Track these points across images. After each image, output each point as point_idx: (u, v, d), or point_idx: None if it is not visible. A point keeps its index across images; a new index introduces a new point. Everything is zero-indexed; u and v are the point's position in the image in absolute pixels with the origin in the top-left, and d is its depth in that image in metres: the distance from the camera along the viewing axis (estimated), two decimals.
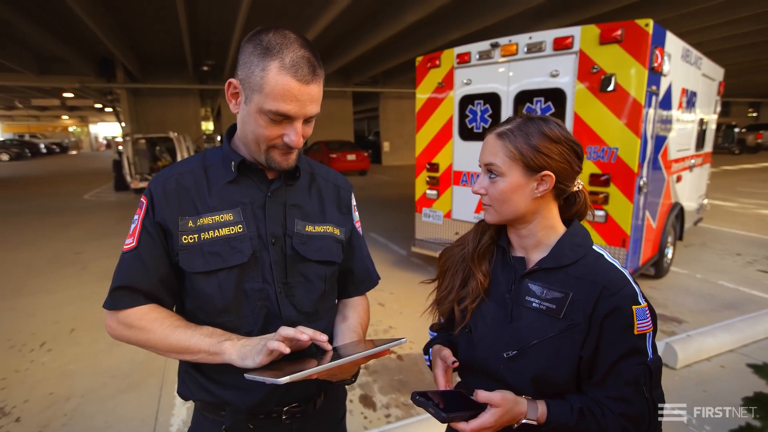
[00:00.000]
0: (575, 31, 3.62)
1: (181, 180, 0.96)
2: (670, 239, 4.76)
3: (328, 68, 14.85)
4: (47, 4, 8.91)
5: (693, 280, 4.74)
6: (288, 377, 0.71)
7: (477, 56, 4.34)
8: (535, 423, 0.83)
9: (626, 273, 0.87)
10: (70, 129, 48.10)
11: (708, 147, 5.86)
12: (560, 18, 9.36)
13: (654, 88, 3.56)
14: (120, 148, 13.59)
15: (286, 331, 0.82)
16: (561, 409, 0.83)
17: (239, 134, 0.97)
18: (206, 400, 0.99)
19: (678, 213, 4.91)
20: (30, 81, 15.42)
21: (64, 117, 42.67)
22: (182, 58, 14.04)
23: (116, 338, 0.94)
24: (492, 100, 4.32)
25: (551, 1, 8.83)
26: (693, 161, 5.19)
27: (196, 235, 0.92)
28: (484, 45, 4.26)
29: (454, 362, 0.96)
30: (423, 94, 4.92)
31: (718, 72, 5.68)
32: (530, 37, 3.90)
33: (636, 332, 0.81)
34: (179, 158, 11.86)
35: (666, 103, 3.89)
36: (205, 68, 15.96)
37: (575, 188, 0.94)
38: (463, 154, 4.65)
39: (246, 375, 0.79)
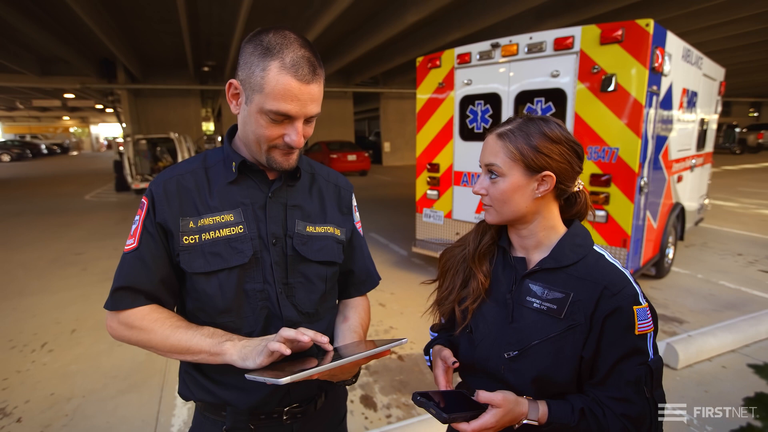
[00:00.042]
0: (576, 32, 3.62)
1: (182, 181, 0.96)
2: (671, 239, 4.75)
3: (329, 69, 14.87)
4: (48, 5, 8.94)
5: (694, 280, 4.73)
6: (289, 378, 0.71)
7: (477, 56, 4.34)
8: (536, 423, 0.83)
9: (627, 273, 0.87)
10: (71, 130, 48.17)
11: (709, 147, 5.86)
12: (561, 18, 9.36)
13: (655, 88, 3.55)
14: (121, 148, 13.63)
15: (287, 332, 0.82)
16: (562, 410, 0.83)
17: (240, 135, 0.97)
18: (207, 400, 0.99)
19: (679, 213, 4.90)
20: (31, 82, 15.45)
21: (65, 118, 42.75)
22: (183, 58, 14.06)
23: (117, 339, 0.94)
24: (492, 100, 4.32)
25: (552, 1, 8.83)
26: (694, 161, 5.19)
27: (197, 236, 0.93)
28: (485, 45, 4.26)
29: (454, 363, 0.96)
30: (423, 94, 4.92)
31: (719, 72, 5.68)
32: (531, 38, 3.90)
33: (637, 332, 0.81)
34: (180, 159, 11.88)
35: (667, 103, 3.89)
36: (206, 69, 15.98)
37: (576, 188, 0.94)
38: (464, 155, 4.65)
39: (247, 375, 0.80)
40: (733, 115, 31.60)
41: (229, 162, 0.98)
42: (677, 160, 4.53)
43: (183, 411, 2.66)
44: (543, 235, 0.93)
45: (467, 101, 4.53)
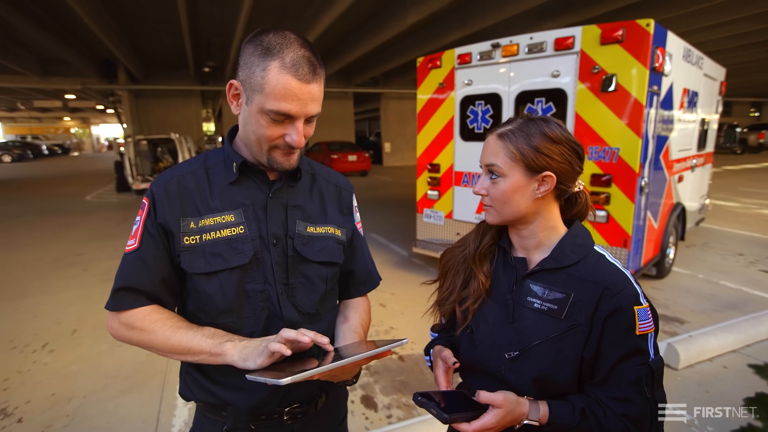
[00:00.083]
0: (576, 32, 3.62)
1: (182, 181, 0.97)
2: (671, 239, 4.75)
3: (329, 69, 14.87)
4: (48, 5, 8.95)
5: (695, 280, 4.73)
6: (289, 378, 0.71)
7: (478, 57, 4.34)
8: (536, 424, 0.83)
9: (628, 273, 0.87)
10: (72, 130, 48.22)
11: (710, 147, 5.85)
12: (561, 18, 9.36)
13: (655, 88, 3.55)
14: (122, 149, 13.64)
15: (287, 333, 0.82)
16: (563, 410, 0.83)
17: (241, 135, 0.98)
18: (208, 400, 0.99)
19: (680, 213, 4.90)
20: (32, 83, 15.47)
21: (66, 118, 42.79)
22: (184, 59, 14.07)
23: (118, 339, 0.94)
24: (493, 100, 4.32)
25: (552, 2, 8.83)
26: (695, 161, 5.18)
27: (197, 236, 0.93)
28: (485, 45, 4.26)
29: (455, 363, 0.96)
30: (424, 94, 4.92)
31: (719, 72, 5.68)
32: (531, 38, 3.90)
33: (638, 333, 0.81)
34: (181, 159, 11.89)
35: (667, 103, 3.89)
36: (207, 69, 16.00)
37: (576, 189, 0.94)
38: (464, 155, 4.65)
39: (247, 376, 0.80)
40: (734, 115, 31.58)
41: (229, 162, 0.98)
42: (678, 160, 4.53)
43: (184, 411, 2.66)
44: (543, 236, 0.93)
45: (468, 101, 4.53)
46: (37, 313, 4.22)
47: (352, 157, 15.83)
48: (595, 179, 3.69)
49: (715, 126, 5.92)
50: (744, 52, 15.10)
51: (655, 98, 3.59)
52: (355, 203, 1.17)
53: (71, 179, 17.38)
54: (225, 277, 0.93)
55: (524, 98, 4.06)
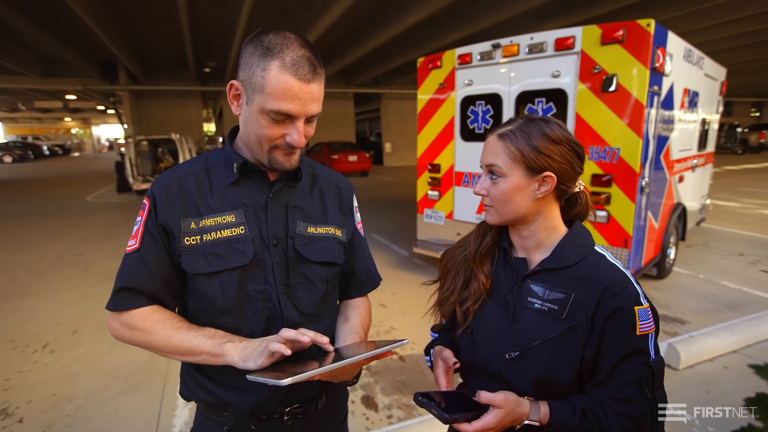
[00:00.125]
0: (577, 32, 3.62)
1: (183, 182, 0.97)
2: (672, 240, 4.75)
3: (330, 69, 14.88)
4: (48, 5, 8.95)
5: (696, 280, 4.72)
6: (290, 379, 0.71)
7: (478, 57, 4.34)
8: (537, 424, 0.83)
9: (628, 273, 0.87)
10: (73, 131, 48.26)
11: (710, 147, 5.85)
12: (562, 18, 9.36)
13: (656, 88, 3.55)
14: (122, 149, 13.65)
15: (287, 332, 0.82)
16: (563, 410, 0.83)
17: (242, 135, 0.98)
18: (208, 401, 0.99)
19: (680, 213, 4.90)
20: (33, 83, 15.49)
21: (67, 119, 42.86)
22: (184, 59, 14.08)
23: (119, 339, 0.94)
24: (493, 100, 4.32)
25: (552, 2, 8.83)
26: (695, 161, 5.18)
27: (198, 237, 0.93)
28: (486, 46, 4.26)
29: (455, 363, 0.96)
30: (424, 95, 4.92)
31: (720, 72, 5.67)
32: (531, 38, 3.90)
33: (638, 333, 0.81)
34: (181, 160, 11.90)
35: (668, 104, 3.89)
36: (207, 70, 16.01)
37: (577, 189, 0.94)
38: (465, 155, 4.65)
39: (248, 376, 0.80)
40: (735, 115, 31.55)
41: (230, 163, 0.98)
42: (679, 161, 4.52)
43: (184, 411, 2.66)
44: (544, 236, 0.93)
45: (468, 102, 4.53)
46: (37, 313, 4.22)
47: (353, 158, 15.84)
48: (596, 179, 3.69)
49: (715, 126, 5.92)
50: (744, 52, 15.10)
51: (655, 98, 3.58)
52: (355, 203, 1.17)
53: (72, 180, 17.40)
54: (226, 277, 0.93)
55: (525, 98, 4.06)
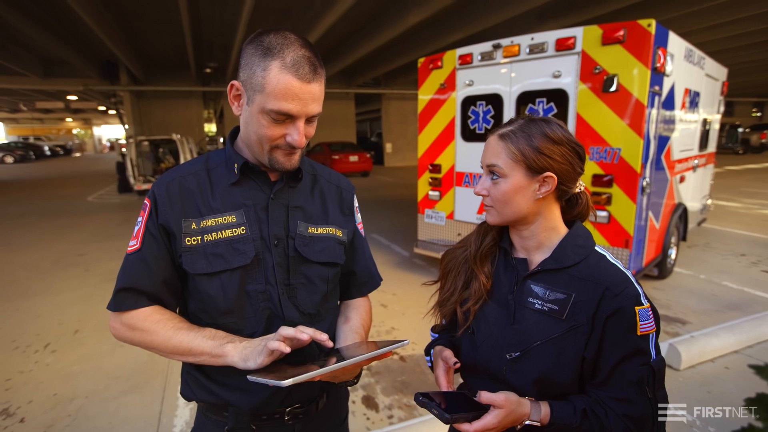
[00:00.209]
0: (577, 32, 3.61)
1: (184, 182, 0.97)
2: (673, 240, 4.74)
3: (331, 70, 14.88)
4: (48, 5, 8.96)
5: (697, 280, 4.72)
6: (291, 380, 0.71)
7: (479, 57, 4.34)
8: (538, 424, 0.83)
9: (629, 274, 0.87)
10: (74, 131, 48.33)
11: (711, 147, 5.84)
12: (562, 18, 9.36)
13: (657, 88, 3.55)
14: (123, 150, 13.66)
15: (286, 330, 0.82)
16: (564, 410, 0.83)
17: (242, 136, 0.98)
18: (209, 401, 0.99)
19: (681, 213, 4.89)
20: (34, 84, 15.51)
21: (68, 119, 42.90)
22: (185, 60, 14.10)
23: (120, 339, 0.95)
24: (494, 101, 4.32)
25: (553, 2, 8.82)
26: (696, 161, 5.17)
27: (199, 237, 0.93)
28: (486, 46, 4.26)
29: (455, 363, 0.96)
30: (425, 95, 4.92)
31: (721, 72, 5.67)
32: (532, 38, 3.90)
33: (639, 333, 0.81)
34: (182, 160, 11.92)
35: (669, 104, 3.88)
36: (208, 70, 16.02)
37: (577, 189, 0.94)
38: (466, 155, 4.65)
39: (249, 377, 0.80)
40: (736, 115, 31.51)
41: (231, 163, 0.99)
42: (680, 161, 4.52)
43: (185, 411, 2.67)
44: (544, 236, 0.93)
45: (469, 102, 4.53)
46: (38, 313, 4.23)
47: (354, 158, 15.84)
48: (597, 180, 3.68)
49: (716, 126, 5.91)
50: (746, 52, 15.07)
51: (656, 98, 3.58)
52: (356, 204, 1.17)
53: (73, 180, 17.42)
54: (226, 277, 0.93)
55: (525, 99, 4.06)
